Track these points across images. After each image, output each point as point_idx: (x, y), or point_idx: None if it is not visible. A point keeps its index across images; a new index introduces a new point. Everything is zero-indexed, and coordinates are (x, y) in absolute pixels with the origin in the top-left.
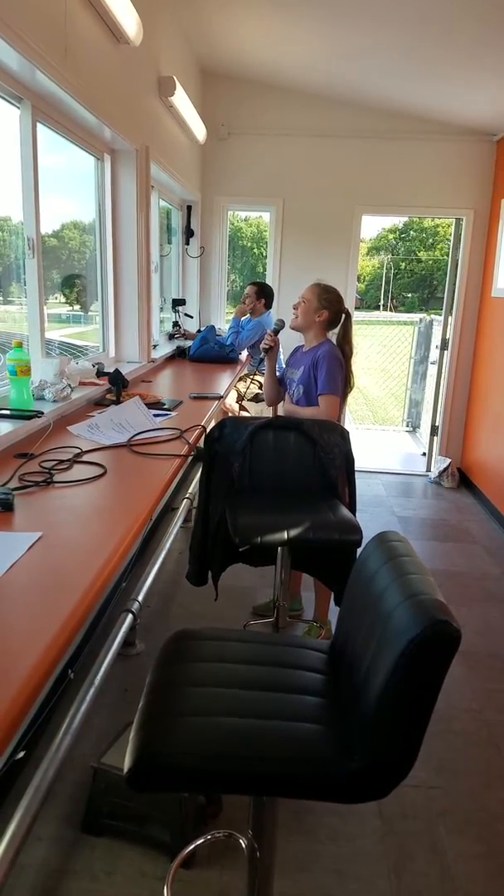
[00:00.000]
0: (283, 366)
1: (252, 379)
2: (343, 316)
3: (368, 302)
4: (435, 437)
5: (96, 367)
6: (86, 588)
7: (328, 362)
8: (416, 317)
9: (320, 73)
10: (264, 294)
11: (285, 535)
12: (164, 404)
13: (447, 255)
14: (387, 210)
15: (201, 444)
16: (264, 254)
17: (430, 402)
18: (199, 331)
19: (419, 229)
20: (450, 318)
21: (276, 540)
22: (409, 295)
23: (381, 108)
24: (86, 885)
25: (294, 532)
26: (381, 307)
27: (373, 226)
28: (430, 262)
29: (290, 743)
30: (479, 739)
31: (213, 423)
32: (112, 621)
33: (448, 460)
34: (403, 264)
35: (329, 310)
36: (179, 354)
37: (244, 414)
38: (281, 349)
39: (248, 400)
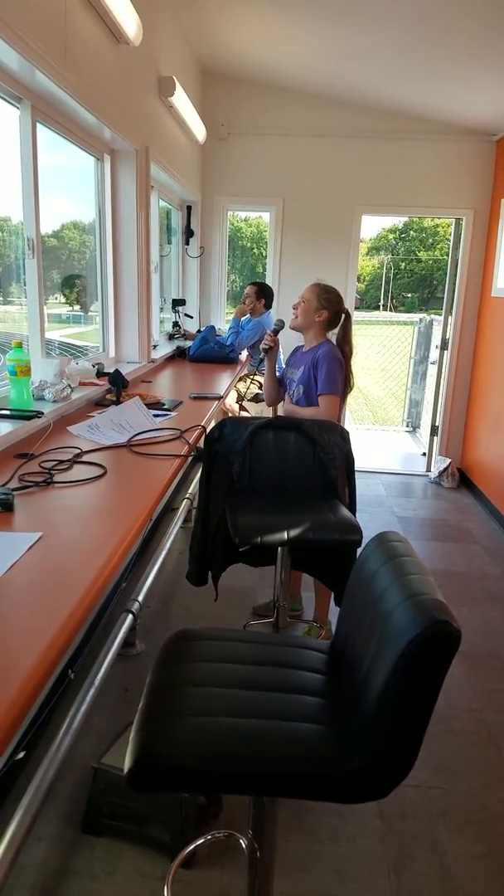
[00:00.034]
0: (283, 366)
1: (252, 379)
2: (343, 316)
3: (368, 302)
4: (435, 437)
5: (96, 367)
6: (86, 588)
7: (328, 362)
8: (415, 317)
9: (320, 73)
10: (264, 294)
11: (285, 535)
12: (164, 404)
13: (447, 255)
14: (387, 210)
15: (201, 444)
16: (264, 254)
17: (430, 402)
18: (199, 331)
19: (419, 229)
20: (450, 318)
21: (276, 540)
22: (409, 295)
23: (381, 108)
24: (86, 885)
25: (294, 532)
26: (381, 307)
27: (373, 226)
28: (430, 262)
29: (290, 743)
30: (479, 739)
31: (213, 424)
32: (112, 621)
33: (448, 460)
34: (403, 264)
35: (329, 310)
36: (179, 355)
37: (244, 414)
38: (281, 349)
39: (248, 400)
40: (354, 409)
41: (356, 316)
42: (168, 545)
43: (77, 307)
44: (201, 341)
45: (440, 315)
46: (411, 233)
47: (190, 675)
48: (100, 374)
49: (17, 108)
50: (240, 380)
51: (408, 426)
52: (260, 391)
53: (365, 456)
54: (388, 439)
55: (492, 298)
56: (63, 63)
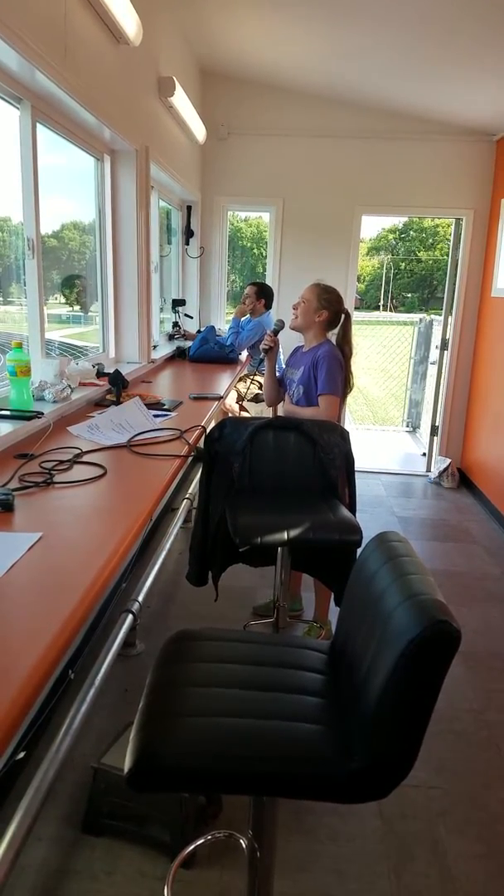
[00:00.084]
0: (283, 366)
1: (252, 379)
2: (343, 316)
3: (368, 302)
4: (435, 438)
5: (96, 367)
6: (86, 588)
7: (328, 363)
8: (415, 317)
9: (320, 74)
10: (264, 294)
11: (285, 535)
12: (164, 405)
13: (447, 255)
14: (386, 210)
15: (201, 444)
16: (264, 254)
17: (430, 402)
18: (198, 331)
19: (419, 229)
20: (450, 318)
21: (276, 540)
22: (409, 295)
23: (381, 108)
24: (86, 885)
25: (294, 532)
26: (381, 307)
27: (373, 226)
28: (430, 262)
29: (290, 743)
30: (480, 740)
31: (213, 424)
32: (112, 622)
33: (448, 460)
34: (403, 264)
35: (329, 310)
36: (179, 355)
37: (244, 414)
38: (281, 349)
39: (248, 400)
40: (354, 409)
41: (356, 316)
42: (168, 545)
43: (77, 307)
44: (201, 341)
45: (440, 315)
46: (411, 233)
47: (190, 675)
48: (100, 374)
49: (17, 108)
50: (240, 380)
51: (408, 426)
52: (260, 391)
53: (365, 456)
54: (388, 439)
55: (492, 298)
56: (63, 63)
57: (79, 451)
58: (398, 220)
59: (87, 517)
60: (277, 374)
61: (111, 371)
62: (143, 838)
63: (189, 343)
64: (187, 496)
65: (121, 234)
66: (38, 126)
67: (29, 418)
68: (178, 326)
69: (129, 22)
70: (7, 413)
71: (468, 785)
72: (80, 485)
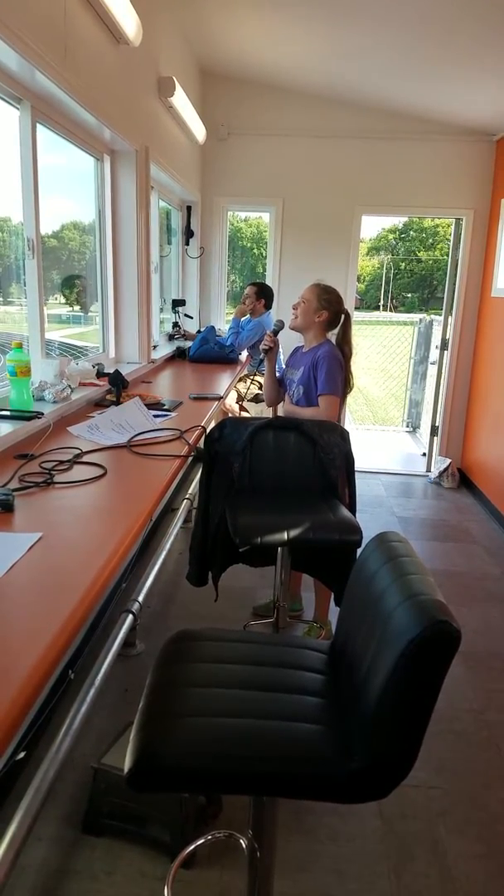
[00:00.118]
0: (283, 366)
1: (252, 379)
2: (343, 316)
3: (368, 302)
4: (435, 438)
5: (96, 367)
6: (86, 588)
7: (328, 363)
8: (415, 317)
9: (320, 74)
10: (264, 294)
11: (285, 535)
12: (164, 405)
13: (447, 255)
14: (386, 210)
15: (201, 444)
16: (264, 254)
17: (430, 402)
18: (198, 331)
19: (419, 229)
20: (450, 318)
21: (276, 540)
22: (409, 295)
23: (381, 108)
24: (86, 885)
25: (294, 532)
26: (381, 307)
27: (373, 226)
28: (430, 262)
29: (290, 743)
30: (480, 740)
31: (212, 424)
32: (112, 622)
33: (448, 460)
34: (403, 264)
35: (329, 310)
36: (179, 355)
37: (244, 414)
38: (281, 349)
39: (248, 400)
40: (354, 409)
41: (356, 316)
42: (168, 545)
43: (77, 307)
44: (201, 342)
45: (440, 315)
46: (411, 233)
47: (190, 675)
48: (100, 374)
49: (17, 108)
50: (240, 380)
51: (408, 426)
52: (260, 391)
53: (365, 456)
54: (388, 439)
55: (492, 298)
56: (63, 63)
57: (79, 452)
58: (398, 220)
59: (87, 517)
60: (277, 374)
61: (111, 371)
62: (144, 838)
63: (189, 343)
64: (187, 496)
65: (121, 234)
66: (38, 126)
67: (29, 418)
68: (178, 326)
69: (129, 22)
70: (7, 413)
71: (468, 785)
72: (80, 485)
